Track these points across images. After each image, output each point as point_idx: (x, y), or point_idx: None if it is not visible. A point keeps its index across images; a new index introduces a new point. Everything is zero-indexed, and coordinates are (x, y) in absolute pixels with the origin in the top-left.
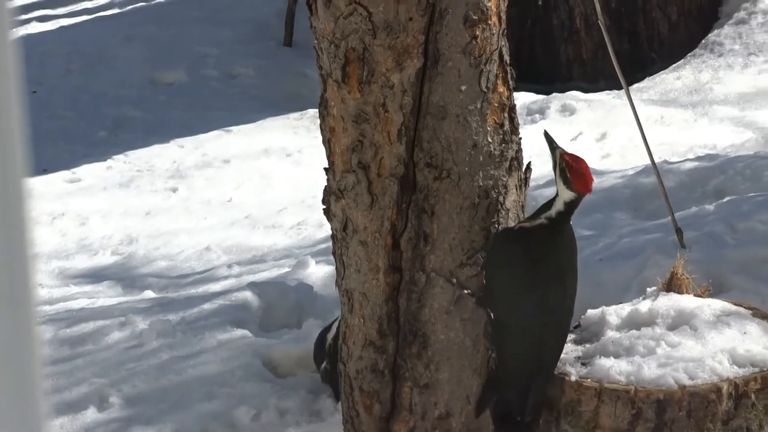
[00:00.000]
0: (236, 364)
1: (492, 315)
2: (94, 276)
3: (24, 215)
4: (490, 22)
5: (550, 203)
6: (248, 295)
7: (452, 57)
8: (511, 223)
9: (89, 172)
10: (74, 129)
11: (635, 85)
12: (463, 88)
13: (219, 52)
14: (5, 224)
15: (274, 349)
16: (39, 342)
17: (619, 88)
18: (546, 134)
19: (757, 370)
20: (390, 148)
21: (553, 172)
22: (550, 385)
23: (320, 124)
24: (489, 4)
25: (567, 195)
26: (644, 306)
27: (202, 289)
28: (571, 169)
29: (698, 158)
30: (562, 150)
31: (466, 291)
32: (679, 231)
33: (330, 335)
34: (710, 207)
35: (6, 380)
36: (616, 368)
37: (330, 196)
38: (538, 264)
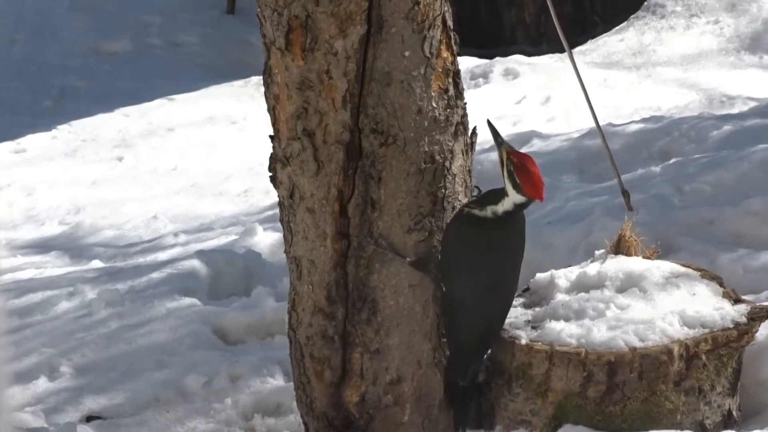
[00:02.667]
0: (185, 332)
1: (443, 288)
2: (42, 246)
3: None
4: None
5: (498, 196)
6: (196, 263)
7: (396, 23)
8: (459, 189)
9: (34, 142)
10: (19, 99)
11: (578, 48)
12: (407, 53)
13: (163, 21)
14: None
15: (224, 317)
16: None
17: (563, 51)
18: (489, 125)
19: (707, 330)
20: (335, 114)
21: (500, 168)
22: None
23: (265, 92)
24: None
25: (517, 198)
26: (593, 269)
27: (149, 258)
28: (520, 172)
29: (643, 120)
30: (509, 147)
31: (404, 257)
32: (625, 193)
33: None
34: (656, 169)
35: None
36: (566, 331)
37: (276, 163)
38: (483, 251)
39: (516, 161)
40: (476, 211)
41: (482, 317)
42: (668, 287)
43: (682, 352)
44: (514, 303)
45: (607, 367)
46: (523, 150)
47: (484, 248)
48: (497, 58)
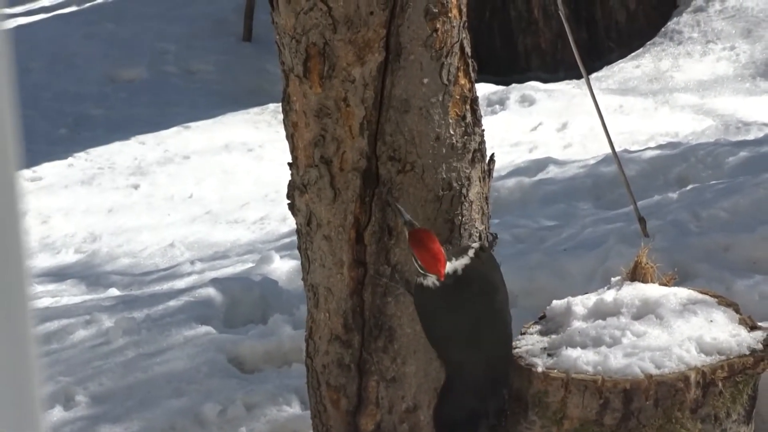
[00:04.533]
0: (202, 360)
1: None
2: (58, 274)
3: (17, 212)
4: (450, 14)
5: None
6: (211, 291)
7: (414, 50)
8: (475, 216)
9: (50, 170)
10: (35, 127)
11: (594, 75)
12: (425, 81)
13: (178, 48)
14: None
15: (240, 345)
16: (34, 338)
17: (579, 77)
18: (394, 204)
19: (723, 358)
20: (352, 142)
21: None
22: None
23: (283, 120)
24: None
25: (430, 275)
26: (609, 296)
27: (166, 286)
28: (416, 249)
29: (660, 146)
30: (411, 226)
31: (400, 286)
32: (641, 220)
33: None
34: (673, 195)
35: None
36: (582, 358)
37: (294, 190)
38: (444, 317)
39: (411, 239)
40: (422, 280)
41: (474, 372)
42: (685, 314)
43: (699, 380)
44: (531, 330)
45: (623, 395)
46: (539, 177)
47: (442, 313)
48: (513, 85)
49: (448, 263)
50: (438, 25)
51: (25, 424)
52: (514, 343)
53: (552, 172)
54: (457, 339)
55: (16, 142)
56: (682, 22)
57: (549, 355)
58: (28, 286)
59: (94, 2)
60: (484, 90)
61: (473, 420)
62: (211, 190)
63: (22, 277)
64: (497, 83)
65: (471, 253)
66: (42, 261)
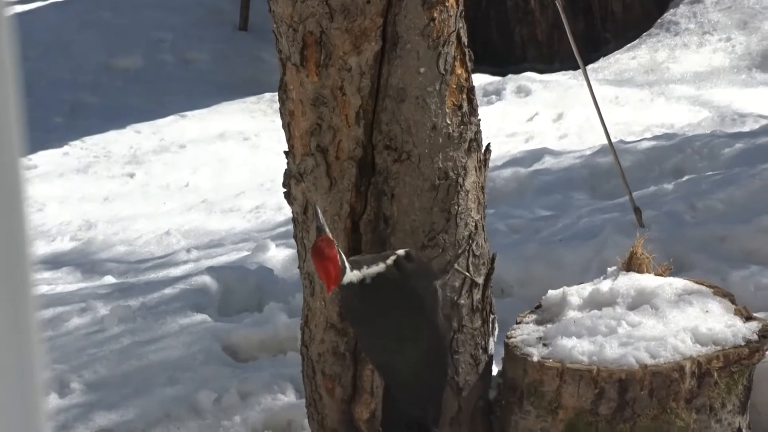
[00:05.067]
0: (197, 348)
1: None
2: (53, 262)
3: (21, 199)
4: (447, 4)
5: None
6: (207, 279)
7: (411, 39)
8: (471, 205)
9: (46, 158)
10: (30, 115)
11: (590, 66)
12: (422, 70)
13: (174, 37)
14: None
15: (235, 333)
16: (37, 325)
17: (575, 68)
18: (316, 211)
19: (719, 348)
20: (348, 131)
21: None
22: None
23: (280, 108)
24: None
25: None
26: (605, 286)
27: (161, 274)
28: (314, 260)
29: (656, 137)
30: (320, 233)
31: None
32: (637, 210)
33: None
34: (669, 186)
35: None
36: (578, 348)
37: (290, 179)
38: (357, 318)
39: (312, 248)
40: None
41: (403, 377)
42: (681, 304)
43: (694, 370)
44: (526, 320)
45: (618, 384)
46: (534, 167)
47: (359, 313)
48: (510, 76)
49: (355, 272)
50: (435, 15)
51: (27, 411)
52: (509, 333)
53: (548, 162)
54: (375, 341)
55: (20, 130)
56: (678, 13)
57: (544, 344)
58: (31, 274)
59: None
60: (480, 80)
61: (413, 427)
62: (206, 179)
63: (26, 264)
64: (493, 74)
65: (390, 261)
66: (37, 248)
